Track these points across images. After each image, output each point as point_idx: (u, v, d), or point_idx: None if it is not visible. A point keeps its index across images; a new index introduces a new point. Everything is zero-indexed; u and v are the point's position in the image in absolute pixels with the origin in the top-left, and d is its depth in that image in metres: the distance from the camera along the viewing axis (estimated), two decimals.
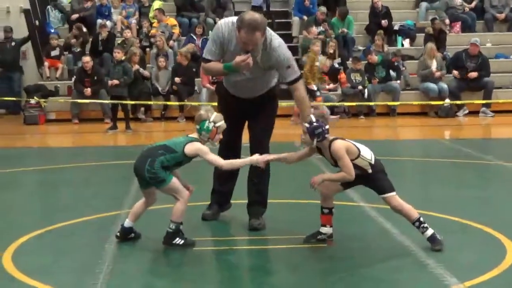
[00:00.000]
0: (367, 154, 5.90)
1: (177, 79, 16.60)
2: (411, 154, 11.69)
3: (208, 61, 6.46)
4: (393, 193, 5.89)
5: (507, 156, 10.82)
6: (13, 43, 18.20)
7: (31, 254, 5.94)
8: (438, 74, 16.95)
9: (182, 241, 5.94)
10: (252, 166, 6.65)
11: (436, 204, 7.64)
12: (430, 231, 5.81)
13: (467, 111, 16.75)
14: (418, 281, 5.14)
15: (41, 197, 8.88)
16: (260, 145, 6.64)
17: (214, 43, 6.42)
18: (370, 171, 5.87)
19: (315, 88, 15.95)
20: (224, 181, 6.95)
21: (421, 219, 5.83)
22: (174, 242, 5.92)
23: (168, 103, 16.64)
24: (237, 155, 6.75)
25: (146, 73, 16.82)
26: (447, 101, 16.69)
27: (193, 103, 16.40)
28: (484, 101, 16.78)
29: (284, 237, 6.32)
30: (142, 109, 16.65)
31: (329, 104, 16.44)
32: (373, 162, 5.89)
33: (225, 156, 6.44)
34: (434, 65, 17.05)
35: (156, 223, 6.42)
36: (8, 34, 18.18)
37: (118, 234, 6.14)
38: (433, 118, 16.56)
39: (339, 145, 5.80)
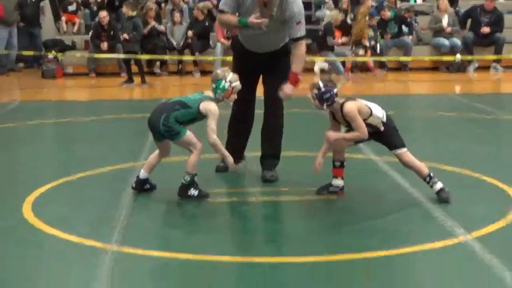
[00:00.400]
0: (379, 112, 5.91)
1: (190, 33, 16.55)
2: (422, 108, 11.69)
3: (224, 12, 6.48)
4: (404, 149, 5.91)
5: None
6: None
7: (50, 204, 5.99)
8: (449, 29, 16.82)
9: (197, 192, 5.98)
10: (266, 119, 6.70)
11: (446, 157, 7.63)
12: (439, 185, 5.83)
13: (476, 65, 16.65)
14: (427, 232, 5.17)
15: (59, 150, 8.94)
16: (274, 99, 6.64)
17: None
18: (382, 128, 5.89)
19: (367, 44, 15.92)
20: (237, 134, 6.98)
21: (431, 174, 5.85)
22: (188, 193, 5.96)
23: (183, 57, 16.60)
24: (251, 110, 6.86)
25: (161, 28, 16.75)
26: (458, 56, 16.58)
27: (207, 58, 16.36)
28: (495, 57, 16.65)
29: (296, 188, 6.35)
30: (158, 63, 16.64)
31: (342, 59, 16.38)
32: (384, 119, 5.90)
33: (238, 110, 6.54)
34: (445, 20, 16.93)
35: (171, 175, 6.46)
36: None
37: (134, 185, 6.19)
38: (444, 73, 16.48)
39: (351, 107, 5.79)
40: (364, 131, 5.77)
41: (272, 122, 6.77)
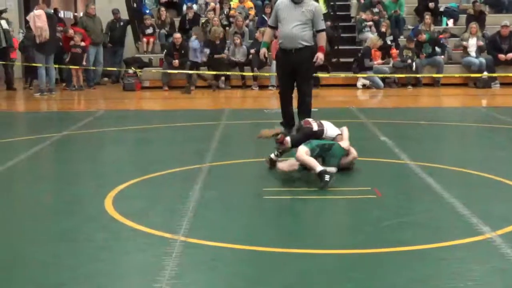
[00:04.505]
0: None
1: (252, 51, 16.55)
2: (452, 119, 11.48)
3: (270, 26, 8.68)
4: None
5: None
6: (121, 23, 18.33)
7: (128, 199, 6.04)
8: (472, 51, 16.58)
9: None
10: (300, 99, 8.49)
11: (473, 163, 7.50)
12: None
13: (498, 85, 16.31)
14: (455, 229, 5.07)
15: (137, 152, 9.00)
16: (304, 90, 8.48)
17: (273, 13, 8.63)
18: None
19: None
20: (285, 107, 8.68)
21: None
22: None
23: (244, 73, 16.61)
24: (291, 96, 8.63)
25: (223, 55, 16.70)
26: (485, 73, 16.30)
27: (264, 74, 16.36)
28: None
29: (337, 188, 6.26)
30: (223, 78, 16.67)
31: (381, 75, 16.24)
32: None
33: (284, 99, 8.61)
34: (472, 41, 16.72)
35: (238, 176, 6.39)
36: (117, 15, 18.26)
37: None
38: (472, 89, 16.19)
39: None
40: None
41: (305, 102, 8.47)
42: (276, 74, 15.66)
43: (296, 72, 8.40)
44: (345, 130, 7.23)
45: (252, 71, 16.54)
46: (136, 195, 6.23)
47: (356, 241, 4.84)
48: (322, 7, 16.83)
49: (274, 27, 8.62)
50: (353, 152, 7.01)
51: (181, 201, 5.81)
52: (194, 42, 16.45)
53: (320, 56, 8.41)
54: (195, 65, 16.25)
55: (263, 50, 8.72)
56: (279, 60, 8.71)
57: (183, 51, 16.41)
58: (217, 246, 4.69)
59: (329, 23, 16.95)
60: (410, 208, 5.75)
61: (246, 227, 5.26)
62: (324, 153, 6.75)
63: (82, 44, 16.55)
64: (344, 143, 6.97)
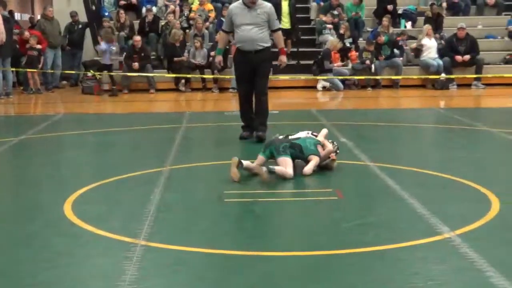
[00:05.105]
0: None
1: (212, 53, 16.49)
2: (411, 120, 11.61)
3: (224, 31, 9.00)
4: None
5: (494, 123, 10.70)
6: (80, 26, 18.16)
7: (87, 203, 5.98)
8: (429, 52, 16.78)
9: None
10: (257, 98, 8.83)
11: (431, 163, 7.59)
12: None
13: (455, 86, 16.55)
14: (415, 229, 5.12)
15: (96, 156, 8.93)
16: (261, 87, 8.77)
17: (227, 18, 8.95)
18: None
19: None
20: (245, 111, 9.01)
21: None
22: None
23: (204, 76, 16.56)
24: (251, 96, 8.90)
25: (184, 58, 16.63)
26: (443, 75, 16.52)
27: (225, 76, 16.34)
28: (475, 76, 16.59)
29: (299, 191, 6.30)
30: (183, 81, 16.59)
31: (341, 77, 16.35)
32: None
33: (244, 97, 8.94)
34: (431, 43, 16.92)
35: (196, 181, 6.39)
36: (75, 18, 18.09)
37: None
38: (431, 90, 16.39)
39: None
40: None
41: (261, 101, 8.81)
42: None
43: (255, 72, 8.71)
44: (323, 129, 7.39)
45: (213, 73, 16.52)
46: (96, 200, 6.17)
47: (317, 243, 4.86)
48: (287, 25, 16.91)
49: (229, 32, 8.94)
50: (328, 145, 7.07)
51: (141, 205, 5.76)
52: (100, 46, 16.49)
53: (283, 60, 8.85)
54: (106, 68, 16.34)
55: (218, 58, 9.18)
56: (238, 62, 8.93)
57: (143, 54, 16.33)
58: (178, 250, 4.67)
59: (289, 41, 17.03)
60: (371, 209, 5.79)
61: (208, 230, 5.25)
62: (290, 148, 6.82)
63: (38, 46, 16.35)
64: (319, 138, 7.14)
